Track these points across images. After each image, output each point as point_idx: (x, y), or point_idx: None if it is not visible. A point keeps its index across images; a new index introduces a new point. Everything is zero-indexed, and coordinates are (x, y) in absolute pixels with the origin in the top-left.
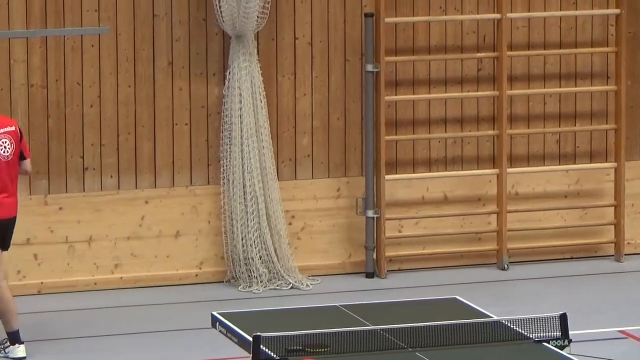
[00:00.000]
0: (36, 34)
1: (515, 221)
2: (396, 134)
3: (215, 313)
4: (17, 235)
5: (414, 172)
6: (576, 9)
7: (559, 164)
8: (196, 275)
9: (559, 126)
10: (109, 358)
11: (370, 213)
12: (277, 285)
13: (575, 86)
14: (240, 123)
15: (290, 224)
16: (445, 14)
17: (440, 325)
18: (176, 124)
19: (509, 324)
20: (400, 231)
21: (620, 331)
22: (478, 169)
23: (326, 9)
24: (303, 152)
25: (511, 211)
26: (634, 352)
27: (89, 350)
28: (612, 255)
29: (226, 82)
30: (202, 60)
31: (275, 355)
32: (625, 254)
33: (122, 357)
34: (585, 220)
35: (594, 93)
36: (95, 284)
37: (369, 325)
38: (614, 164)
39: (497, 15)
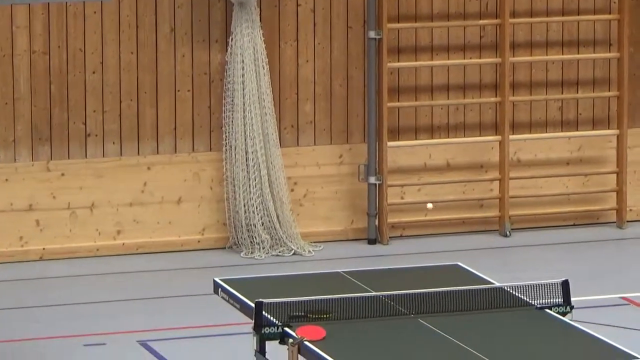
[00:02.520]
0: (38, 0)
1: (518, 188)
2: (398, 101)
3: (217, 279)
4: (20, 201)
5: (416, 139)
6: None
7: (561, 131)
8: (198, 242)
9: (562, 93)
10: (111, 324)
11: (372, 180)
12: (279, 252)
13: (578, 53)
14: (243, 90)
15: (292, 190)
16: None
17: (442, 291)
18: (178, 91)
19: (510, 291)
20: (402, 198)
21: (622, 297)
22: (480, 135)
23: None
24: (305, 118)
25: (513, 178)
26: (635, 318)
27: (91, 316)
28: (614, 222)
29: (229, 49)
30: (204, 26)
31: (277, 322)
32: (627, 221)
33: (124, 323)
34: (587, 187)
35: (597, 60)
36: (97, 250)
37: (371, 292)
38: (616, 131)
39: None
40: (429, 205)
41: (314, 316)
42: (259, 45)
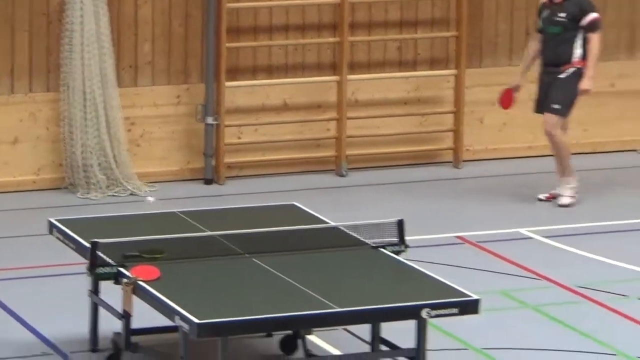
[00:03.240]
0: None
1: (355, 128)
2: (238, 41)
3: (52, 219)
4: None
5: (254, 79)
6: None
7: (400, 71)
8: (34, 182)
9: (400, 33)
10: None
11: (209, 120)
12: (116, 192)
13: None
14: (82, 30)
15: (129, 130)
16: None
17: (277, 231)
18: (16, 31)
19: (346, 230)
20: (239, 138)
21: (457, 237)
22: (319, 76)
23: None
24: (144, 59)
25: (351, 118)
26: (469, 257)
27: None
28: (451, 162)
29: None
30: None
31: (112, 261)
32: (464, 161)
33: None
34: (425, 127)
35: (436, 0)
36: None
37: (206, 232)
38: (454, 71)
39: None
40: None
41: (148, 256)
42: None
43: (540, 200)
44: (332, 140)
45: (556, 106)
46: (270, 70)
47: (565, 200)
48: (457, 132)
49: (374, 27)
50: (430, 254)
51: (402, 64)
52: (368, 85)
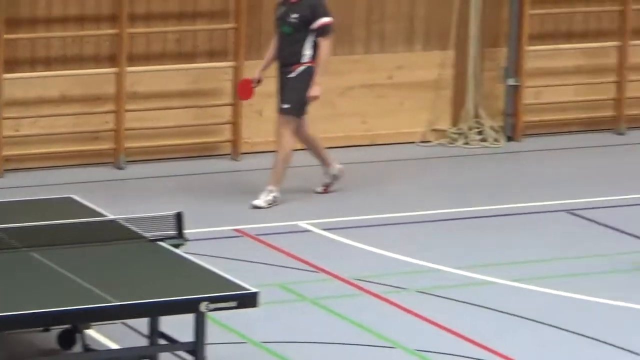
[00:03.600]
0: None
1: (134, 120)
2: (16, 33)
3: None
4: None
5: (32, 71)
6: None
7: (179, 63)
8: None
9: (179, 25)
10: None
11: None
12: None
13: None
14: None
15: None
16: None
17: (54, 224)
18: None
19: (124, 223)
20: (17, 130)
21: (235, 229)
22: (97, 68)
23: None
24: None
25: (129, 110)
26: (248, 250)
27: None
28: (230, 154)
29: None
30: None
31: None
32: (242, 153)
33: None
34: (203, 119)
35: None
36: None
37: None
38: (233, 63)
39: None
40: None
41: None
42: None
43: (317, 192)
44: (110, 132)
45: (285, 106)
46: (49, 62)
47: (259, 202)
48: (235, 124)
49: (152, 19)
50: (208, 247)
51: (181, 56)
52: (147, 78)
